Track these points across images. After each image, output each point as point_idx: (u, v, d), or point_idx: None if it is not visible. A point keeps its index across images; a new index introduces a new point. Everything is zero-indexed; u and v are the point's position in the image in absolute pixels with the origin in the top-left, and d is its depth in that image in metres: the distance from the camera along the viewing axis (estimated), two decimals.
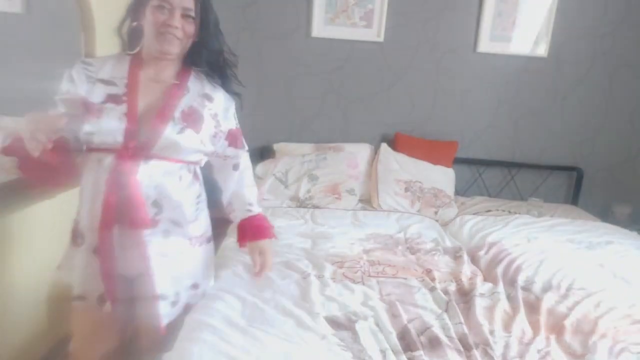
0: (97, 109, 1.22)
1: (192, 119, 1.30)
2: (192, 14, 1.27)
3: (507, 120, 3.06)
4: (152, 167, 1.26)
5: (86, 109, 1.22)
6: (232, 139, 1.46)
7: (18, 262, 1.74)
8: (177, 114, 1.29)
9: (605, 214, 3.02)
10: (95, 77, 1.27)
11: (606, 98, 3.03)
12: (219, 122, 1.39)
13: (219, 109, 1.38)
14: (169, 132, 1.26)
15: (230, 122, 1.44)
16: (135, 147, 1.23)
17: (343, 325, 1.46)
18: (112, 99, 1.24)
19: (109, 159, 1.24)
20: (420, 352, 1.35)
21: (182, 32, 1.26)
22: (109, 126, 1.21)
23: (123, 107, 1.24)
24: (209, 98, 1.36)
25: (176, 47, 1.27)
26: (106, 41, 2.12)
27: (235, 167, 1.53)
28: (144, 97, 1.28)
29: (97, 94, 1.24)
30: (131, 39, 1.30)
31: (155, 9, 1.25)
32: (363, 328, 1.45)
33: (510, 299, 1.71)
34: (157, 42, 1.25)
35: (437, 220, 2.58)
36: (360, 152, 2.92)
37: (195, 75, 1.37)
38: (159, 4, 1.24)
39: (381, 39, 2.90)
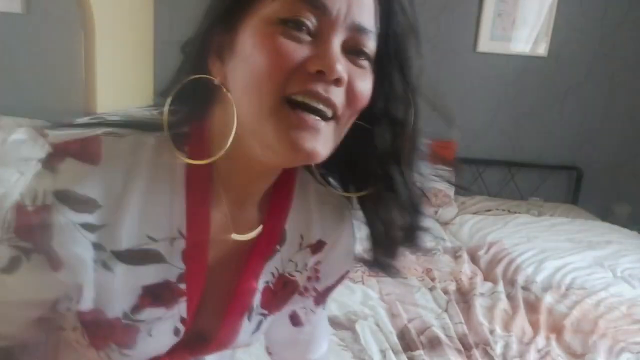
0: (124, 328, 0.55)
1: (277, 299, 0.65)
2: (371, 46, 0.49)
3: (507, 120, 3.06)
4: None
5: (97, 327, 0.55)
6: (318, 296, 0.71)
7: None
8: (256, 299, 0.63)
9: (605, 214, 3.01)
10: (110, 246, 0.51)
11: (606, 98, 3.03)
12: (315, 282, 0.69)
13: (330, 258, 0.67)
14: (242, 336, 0.64)
15: (337, 275, 0.70)
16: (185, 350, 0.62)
17: (343, 325, 1.47)
18: (157, 296, 0.55)
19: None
20: (420, 352, 1.35)
21: (347, 95, 0.49)
22: (152, 346, 0.58)
23: (180, 308, 0.57)
24: (319, 247, 0.65)
25: (324, 143, 0.49)
26: (106, 41, 2.13)
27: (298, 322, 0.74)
28: (209, 270, 0.58)
29: (122, 295, 0.53)
30: (186, 116, 0.53)
31: (275, 28, 0.46)
32: (363, 328, 1.45)
33: (510, 298, 1.71)
34: (275, 129, 0.47)
35: (437, 220, 2.59)
36: None
37: (301, 191, 0.62)
38: (289, 12, 0.46)
39: None
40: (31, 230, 0.49)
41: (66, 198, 0.48)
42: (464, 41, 2.94)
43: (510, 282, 1.82)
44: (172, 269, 0.54)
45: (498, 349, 1.41)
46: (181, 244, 0.54)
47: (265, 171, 0.56)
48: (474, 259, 2.07)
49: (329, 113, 0.48)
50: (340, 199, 0.63)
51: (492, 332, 1.49)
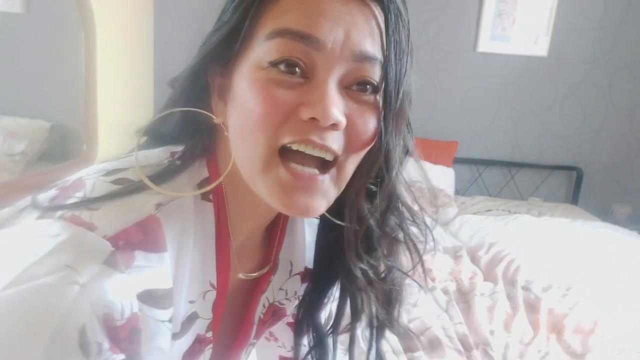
0: None
1: (265, 327, 0.66)
2: (376, 75, 0.45)
3: (507, 120, 3.06)
4: None
5: None
6: None
7: None
8: (253, 333, 0.64)
9: (605, 214, 3.01)
10: (173, 329, 0.48)
11: (606, 98, 3.03)
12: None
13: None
14: None
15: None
16: None
17: (342, 327, 1.46)
18: (191, 354, 0.53)
19: None
20: (420, 353, 1.35)
21: (347, 137, 0.46)
22: None
23: (206, 356, 0.56)
24: (306, 274, 0.67)
25: (322, 196, 0.46)
26: (106, 42, 2.13)
27: None
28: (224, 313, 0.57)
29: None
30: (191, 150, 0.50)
31: (264, 73, 0.43)
32: (363, 329, 1.45)
33: (510, 298, 1.71)
34: (267, 187, 0.46)
35: (437, 220, 2.58)
36: None
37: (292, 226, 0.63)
38: (278, 53, 0.43)
39: None
40: (123, 342, 0.40)
41: (150, 300, 0.42)
42: (464, 41, 2.94)
43: (510, 282, 1.82)
44: (203, 322, 0.51)
45: (498, 349, 1.41)
46: (212, 295, 0.51)
47: (272, 210, 0.54)
48: (474, 259, 2.07)
49: (328, 157, 0.45)
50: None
51: (492, 332, 1.49)
